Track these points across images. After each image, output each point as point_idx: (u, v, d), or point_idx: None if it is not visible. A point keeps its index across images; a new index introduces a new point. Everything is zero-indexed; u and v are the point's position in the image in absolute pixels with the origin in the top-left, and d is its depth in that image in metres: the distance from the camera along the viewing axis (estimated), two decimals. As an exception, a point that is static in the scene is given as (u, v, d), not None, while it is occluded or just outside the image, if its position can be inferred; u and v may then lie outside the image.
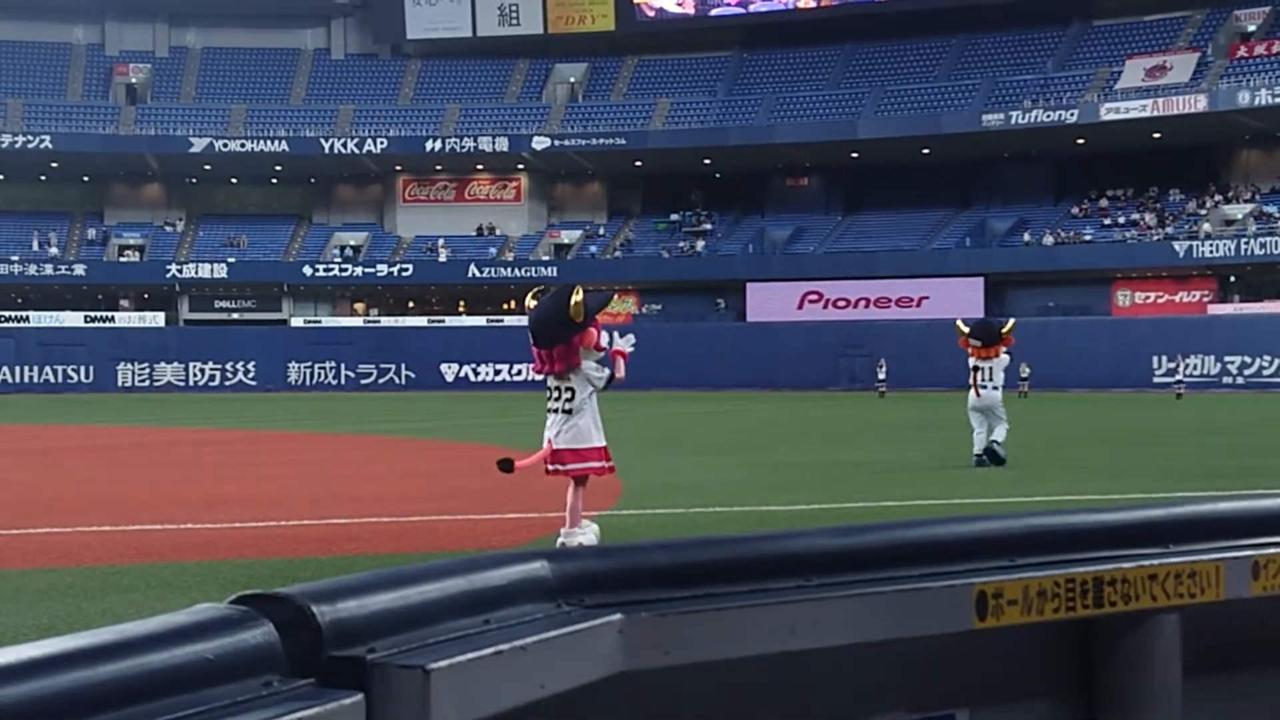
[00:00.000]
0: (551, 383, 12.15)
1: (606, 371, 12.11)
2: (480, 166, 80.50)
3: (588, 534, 11.91)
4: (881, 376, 60.65)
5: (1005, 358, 21.48)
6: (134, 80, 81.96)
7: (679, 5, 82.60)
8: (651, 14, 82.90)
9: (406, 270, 77.68)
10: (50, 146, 75.50)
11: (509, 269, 77.63)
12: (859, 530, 3.05)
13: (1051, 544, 3.11)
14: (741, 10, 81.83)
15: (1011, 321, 22.48)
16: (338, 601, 2.05)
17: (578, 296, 11.79)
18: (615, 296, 14.46)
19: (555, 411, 12.14)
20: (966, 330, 21.68)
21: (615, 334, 12.49)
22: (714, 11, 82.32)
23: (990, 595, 2.87)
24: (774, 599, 2.63)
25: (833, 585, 2.74)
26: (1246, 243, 65.41)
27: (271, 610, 1.99)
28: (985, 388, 20.92)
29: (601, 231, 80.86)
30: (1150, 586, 3.11)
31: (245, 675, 1.89)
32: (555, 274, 77.37)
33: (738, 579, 2.65)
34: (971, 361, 21.33)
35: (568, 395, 12.04)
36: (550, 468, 12.11)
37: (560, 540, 11.79)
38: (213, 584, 10.06)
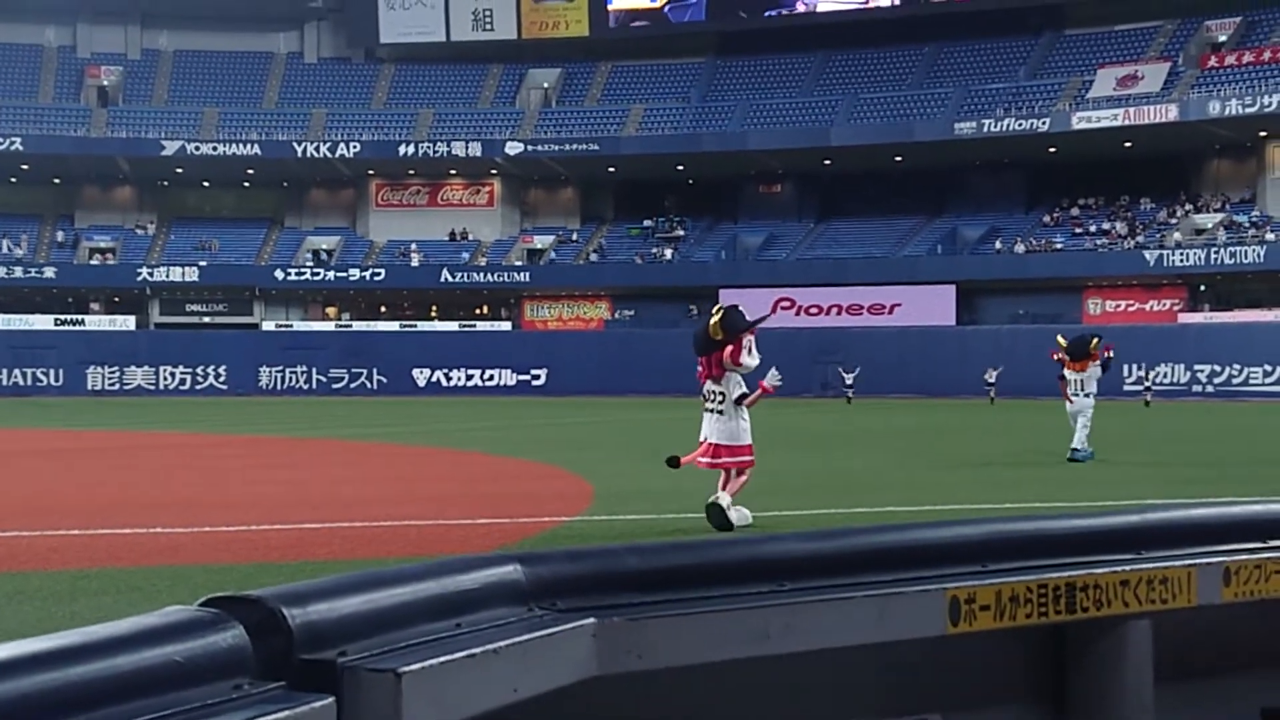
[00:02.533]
0: (708, 387, 14.23)
1: (742, 391, 14.12)
2: (453, 171, 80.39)
3: (742, 511, 13.83)
4: (849, 382, 60.73)
5: (1096, 370, 24.02)
6: (106, 82, 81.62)
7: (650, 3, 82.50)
8: (623, 15, 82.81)
9: (379, 275, 77.53)
10: (20, 148, 75.12)
11: (481, 274, 77.54)
12: (832, 535, 3.05)
13: (1024, 549, 3.11)
14: (703, 19, 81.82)
15: (1097, 339, 24.60)
16: (309, 604, 2.03)
17: (716, 318, 14.09)
18: (767, 316, 15.39)
19: (710, 412, 14.23)
20: (1063, 345, 24.51)
21: (773, 370, 14.30)
22: (685, 18, 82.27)
23: (963, 600, 2.87)
24: (747, 604, 2.63)
25: (806, 590, 2.73)
26: (1216, 252, 65.72)
27: (242, 613, 1.98)
28: (1078, 396, 23.71)
29: (574, 237, 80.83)
30: (1122, 592, 3.11)
31: (215, 678, 1.87)
32: (528, 279, 77.38)
33: (711, 583, 2.65)
34: (1066, 374, 24.08)
35: (719, 399, 14.13)
36: (708, 461, 14.21)
37: (718, 498, 13.88)
38: (183, 588, 10.01)
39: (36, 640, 1.77)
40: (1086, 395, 23.70)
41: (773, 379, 14.26)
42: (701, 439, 14.41)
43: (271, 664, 1.96)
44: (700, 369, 14.31)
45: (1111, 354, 25.23)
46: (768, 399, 14.79)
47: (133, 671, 1.78)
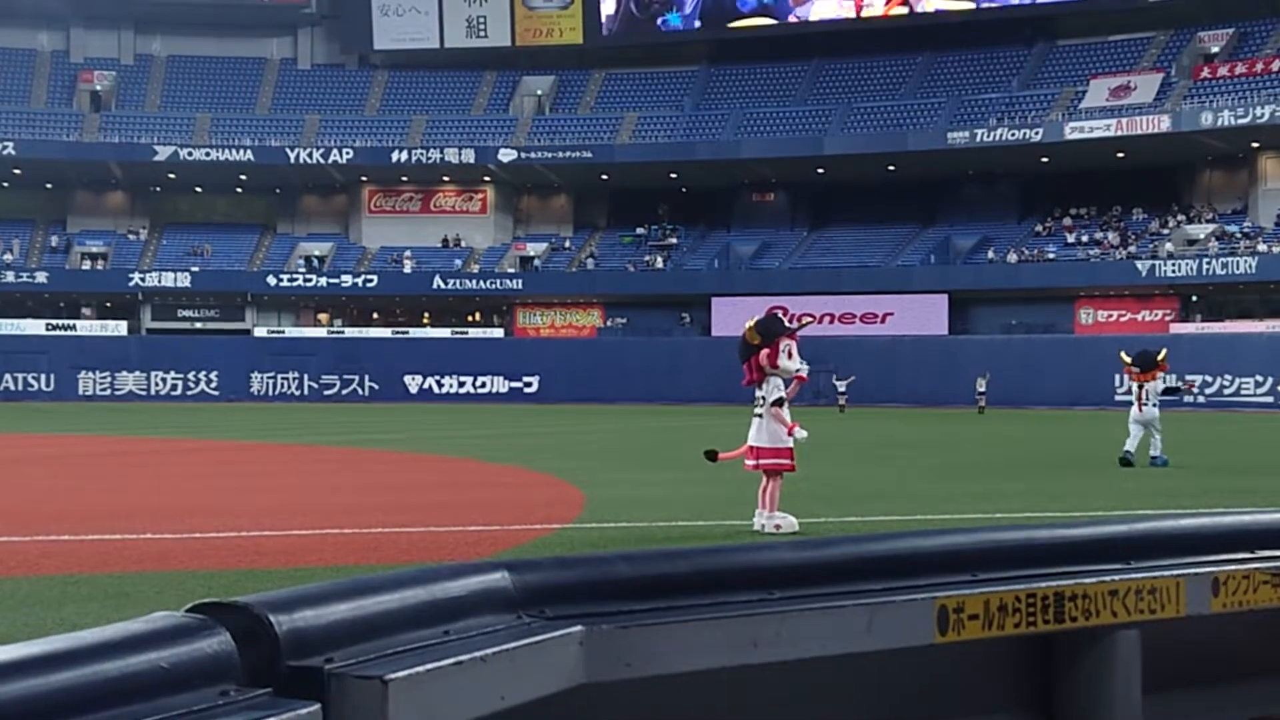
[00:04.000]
0: (756, 392, 14.52)
1: (779, 395, 14.35)
2: (446, 178, 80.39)
3: (788, 518, 14.10)
4: (842, 390, 60.73)
5: (1160, 381, 25.45)
6: (98, 88, 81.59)
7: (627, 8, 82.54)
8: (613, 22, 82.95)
9: (371, 281, 77.50)
10: (13, 153, 75.06)
11: (474, 281, 77.53)
12: (822, 544, 3.05)
13: (1013, 559, 3.11)
14: (694, 26, 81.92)
15: (1165, 351, 25.81)
16: (295, 611, 2.03)
17: (750, 323, 14.46)
18: (799, 320, 15.69)
19: (757, 416, 14.49)
20: (1129, 360, 25.61)
21: (803, 362, 14.79)
22: (676, 26, 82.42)
23: (952, 610, 2.87)
24: (736, 612, 2.62)
25: (795, 599, 2.73)
26: (1208, 262, 65.81)
27: (229, 619, 1.97)
28: (1146, 404, 25.00)
29: (567, 245, 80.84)
30: (1111, 602, 3.11)
31: (202, 684, 1.87)
32: (520, 286, 77.35)
33: (700, 591, 2.64)
34: (1132, 384, 25.61)
35: (760, 402, 14.46)
36: (750, 463, 14.50)
37: (758, 523, 14.15)
38: (171, 594, 9.99)
39: (22, 645, 1.77)
40: (1154, 406, 25.04)
41: (800, 435, 14.61)
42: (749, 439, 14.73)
43: (258, 670, 1.96)
44: (745, 375, 14.60)
45: (1168, 368, 26.45)
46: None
47: (119, 677, 1.78)
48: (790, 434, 14.33)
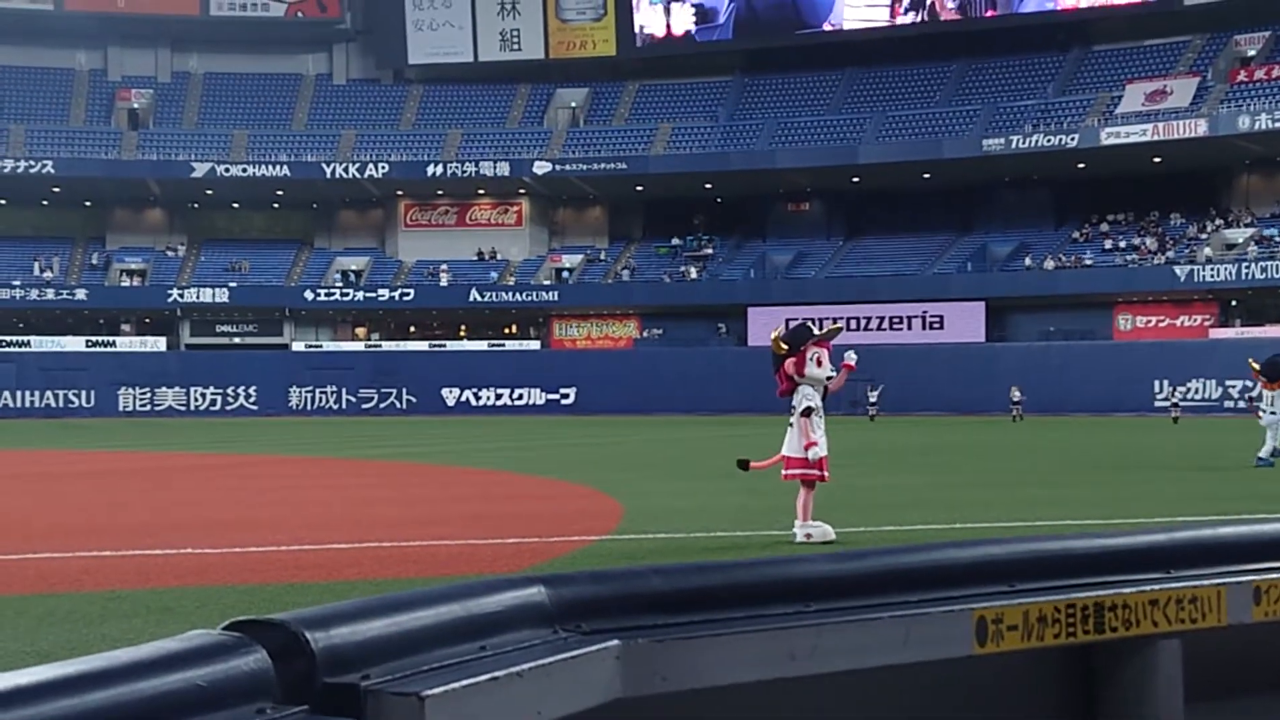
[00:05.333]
0: (791, 403, 14.53)
1: (809, 405, 14.32)
2: (481, 191, 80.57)
3: (823, 527, 14.07)
4: (873, 399, 60.57)
5: None
6: (136, 105, 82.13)
7: (670, 30, 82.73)
8: (657, 38, 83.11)
9: (408, 295, 77.72)
10: (52, 172, 75.59)
11: (510, 293, 77.69)
12: (858, 555, 3.04)
13: (1052, 569, 3.09)
14: (729, 36, 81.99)
15: None
16: (332, 628, 2.03)
17: (775, 333, 14.51)
18: (831, 329, 15.72)
19: (791, 425, 14.52)
20: (1258, 367, 26.55)
21: (850, 352, 15.07)
22: (713, 38, 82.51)
23: (990, 620, 2.86)
24: (772, 625, 2.61)
25: (832, 611, 2.72)
26: (1247, 267, 65.41)
27: (265, 637, 1.98)
28: (1265, 412, 26.19)
29: (603, 256, 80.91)
30: (1151, 612, 3.09)
31: (238, 703, 1.87)
32: (556, 298, 77.46)
33: (736, 604, 2.63)
34: (1262, 391, 26.50)
35: (792, 411, 14.46)
36: (784, 473, 14.53)
37: (795, 532, 14.15)
38: (213, 609, 10.03)
39: (58, 665, 1.77)
40: (1274, 413, 26.01)
41: (850, 357, 14.83)
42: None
43: (294, 688, 1.96)
44: (779, 385, 14.65)
45: None
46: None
47: (155, 696, 1.78)
48: (807, 450, 14.28)
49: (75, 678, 1.75)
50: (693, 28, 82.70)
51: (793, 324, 15.19)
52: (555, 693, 2.21)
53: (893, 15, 78.94)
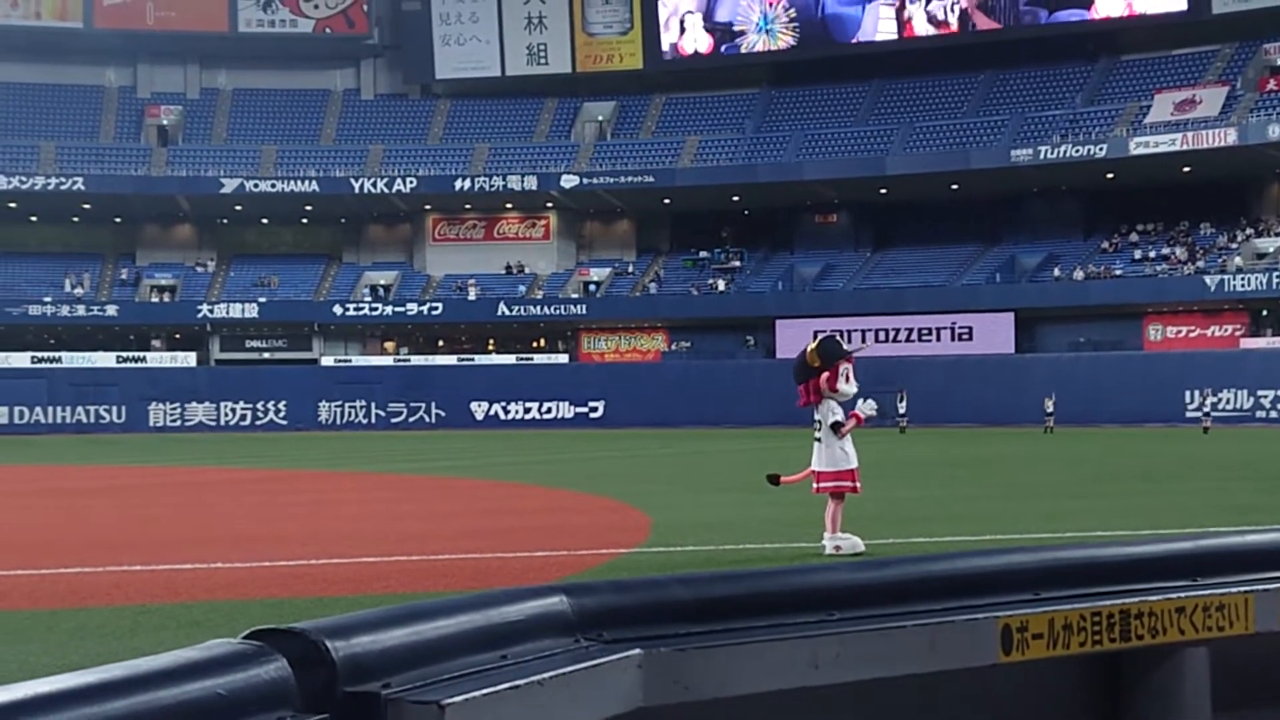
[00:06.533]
0: (815, 416, 14.57)
1: (836, 419, 14.42)
2: (509, 205, 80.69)
3: (852, 539, 14.17)
4: (902, 411, 60.39)
5: None
6: (165, 122, 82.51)
7: (699, 48, 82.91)
8: (686, 55, 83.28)
9: (436, 309, 77.82)
10: (82, 188, 75.95)
11: (538, 307, 77.75)
12: (882, 564, 3.03)
13: (1077, 577, 3.08)
14: (766, 50, 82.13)
15: None
16: (352, 637, 2.03)
17: (812, 345, 14.49)
18: (861, 344, 15.80)
19: (817, 439, 14.57)
20: None
21: (869, 401, 14.99)
22: (740, 50, 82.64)
23: (1015, 629, 2.84)
24: (796, 633, 2.61)
25: (855, 619, 2.71)
26: (1278, 276, 65.08)
27: (285, 646, 1.98)
28: None
29: (630, 269, 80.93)
30: (1178, 620, 3.07)
31: (258, 711, 1.87)
32: (584, 312, 77.49)
33: (759, 613, 2.63)
34: None
35: (818, 425, 14.50)
36: (815, 486, 14.66)
37: (828, 546, 14.14)
38: (241, 622, 10.02)
39: (79, 674, 1.78)
40: None
41: (866, 408, 14.83)
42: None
43: (315, 696, 1.96)
44: (801, 397, 14.70)
45: None
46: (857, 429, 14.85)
47: (175, 705, 1.78)
48: (861, 423, 14.58)
49: (96, 686, 1.75)
50: (715, 44, 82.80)
51: (821, 336, 15.09)
52: (576, 701, 2.21)
53: (909, 31, 78.80)
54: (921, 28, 78.99)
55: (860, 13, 79.96)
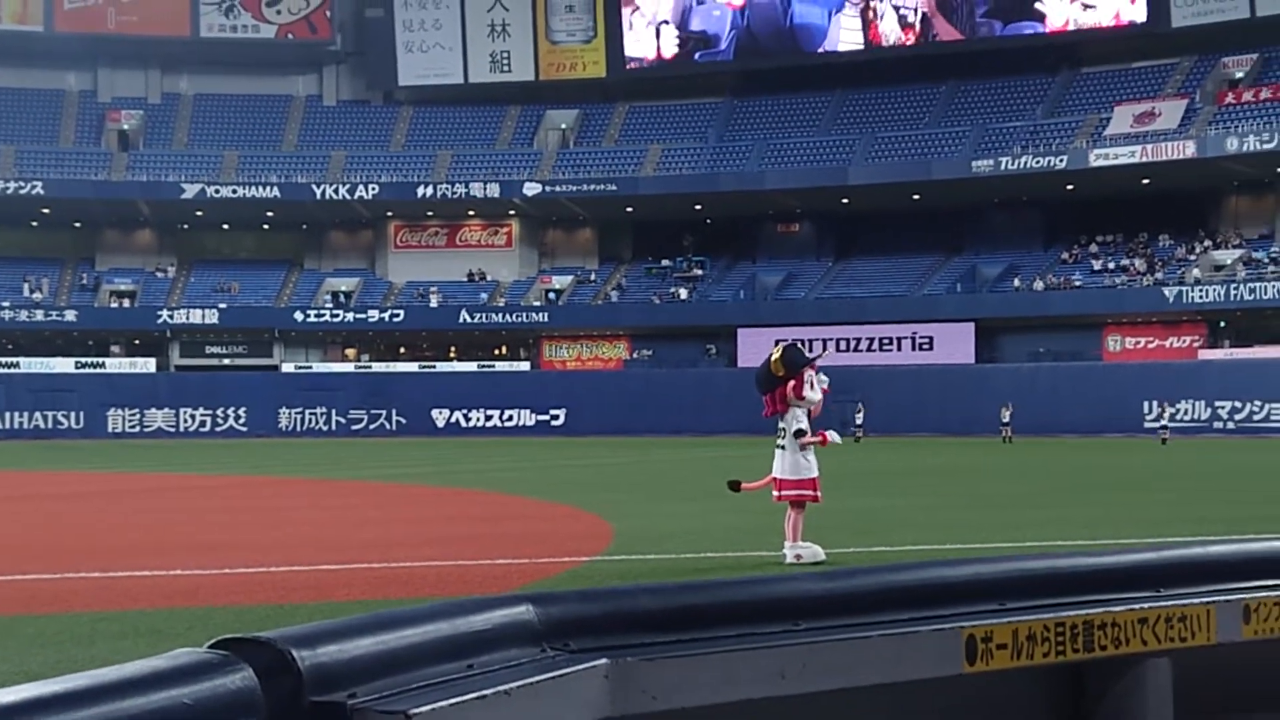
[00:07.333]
0: (778, 424, 14.54)
1: (800, 427, 14.35)
2: (472, 212, 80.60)
3: (812, 548, 14.20)
4: (859, 421, 60.50)
5: None
6: (126, 126, 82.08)
7: (660, 54, 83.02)
8: (647, 63, 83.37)
9: (398, 316, 77.65)
10: (42, 193, 75.52)
11: (500, 314, 77.65)
12: (847, 574, 3.03)
13: (1041, 587, 3.09)
14: (730, 59, 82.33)
15: None
16: (319, 646, 2.02)
17: (776, 354, 14.44)
18: (821, 351, 15.69)
19: (779, 447, 14.54)
20: None
21: (832, 433, 14.80)
22: (700, 58, 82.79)
23: (980, 639, 2.85)
24: (762, 643, 2.61)
25: (821, 629, 2.71)
26: (1236, 288, 65.54)
27: (251, 655, 1.97)
28: None
29: (593, 277, 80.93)
30: (1141, 630, 3.09)
31: (224, 720, 1.86)
32: (546, 319, 77.44)
33: (725, 623, 2.63)
34: None
35: (782, 433, 14.49)
36: (775, 494, 14.57)
37: (785, 553, 14.23)
38: (202, 630, 9.99)
39: (44, 684, 1.76)
40: None
41: (833, 437, 14.74)
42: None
43: (281, 706, 1.95)
44: (766, 407, 14.64)
45: None
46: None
47: (140, 714, 1.77)
48: (825, 443, 14.46)
49: (61, 695, 1.74)
50: (689, 53, 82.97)
51: (783, 344, 15.00)
52: (543, 711, 2.20)
53: (874, 34, 79.07)
54: (889, 27, 79.14)
55: (826, 22, 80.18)
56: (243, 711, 1.89)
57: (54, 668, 8.51)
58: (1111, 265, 71.92)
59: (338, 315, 78.13)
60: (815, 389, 14.40)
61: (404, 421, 72.21)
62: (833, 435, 14.75)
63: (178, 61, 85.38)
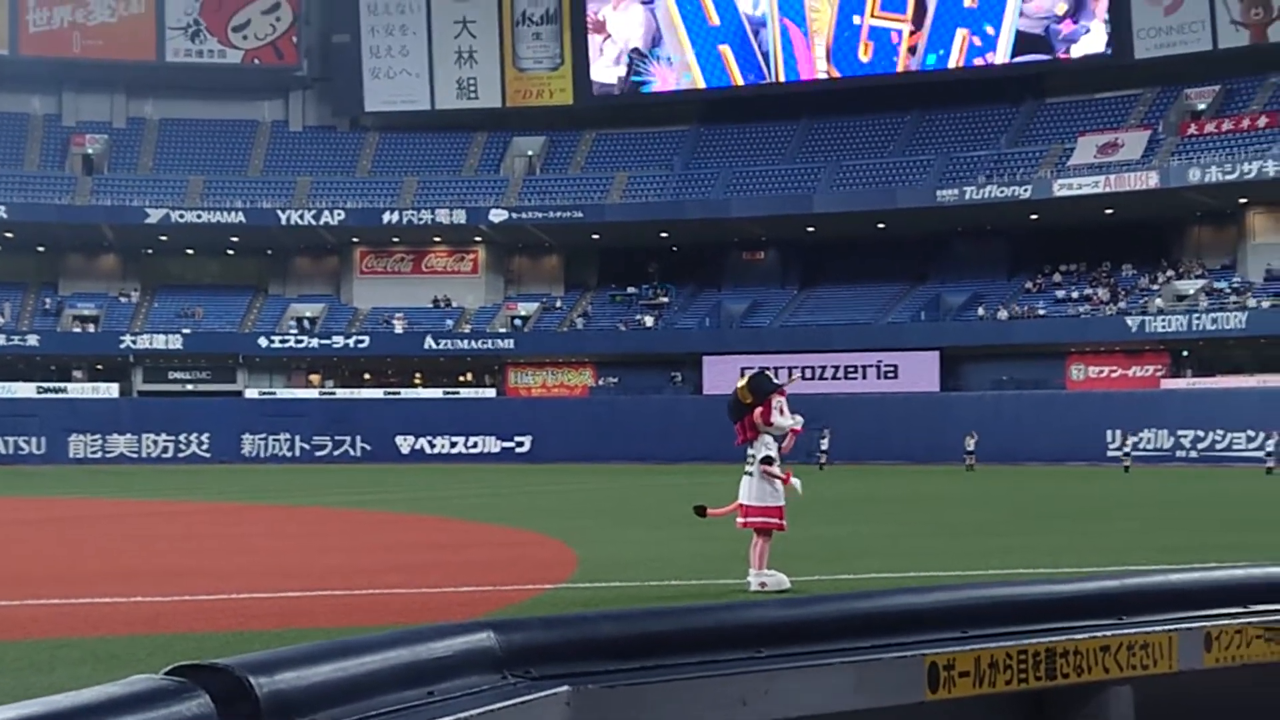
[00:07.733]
0: (748, 450, 14.60)
1: (768, 454, 14.44)
2: (438, 239, 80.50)
3: (777, 576, 14.22)
4: (824, 448, 60.48)
5: None
6: (91, 151, 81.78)
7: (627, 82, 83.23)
8: (613, 91, 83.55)
9: (363, 342, 77.46)
10: (5, 216, 75.07)
11: (465, 341, 77.51)
12: (810, 601, 3.03)
13: (1004, 615, 3.09)
14: (687, 88, 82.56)
15: None
16: (276, 673, 2.01)
17: (742, 382, 14.66)
18: (789, 379, 15.87)
19: (747, 474, 14.60)
20: None
21: (796, 480, 14.88)
22: (656, 89, 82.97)
23: (942, 666, 2.85)
24: (725, 670, 2.60)
25: (784, 656, 2.71)
26: (1198, 318, 65.91)
27: (208, 682, 1.95)
28: None
29: (559, 304, 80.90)
30: (1103, 658, 3.09)
31: (181, 748, 1.84)
32: (512, 346, 77.35)
33: (688, 650, 2.62)
34: None
35: (751, 460, 14.55)
36: (740, 520, 14.65)
37: (750, 581, 14.28)
38: (162, 658, 9.91)
39: (1, 710, 1.74)
40: None
41: (796, 485, 14.80)
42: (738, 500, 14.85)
43: (239, 733, 1.93)
44: (738, 435, 14.75)
45: None
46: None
47: (96, 742, 1.75)
48: (787, 484, 14.52)
49: (15, 722, 1.72)
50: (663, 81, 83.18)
51: (749, 372, 15.27)
52: (504, 739, 2.19)
53: (839, 68, 79.46)
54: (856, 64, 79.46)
55: (792, 51, 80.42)
56: (199, 740, 1.87)
57: (10, 694, 8.43)
58: (1075, 295, 72.27)
59: (302, 341, 77.85)
60: (786, 415, 14.47)
61: (368, 448, 71.96)
62: (796, 483, 14.81)
63: (143, 86, 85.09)
